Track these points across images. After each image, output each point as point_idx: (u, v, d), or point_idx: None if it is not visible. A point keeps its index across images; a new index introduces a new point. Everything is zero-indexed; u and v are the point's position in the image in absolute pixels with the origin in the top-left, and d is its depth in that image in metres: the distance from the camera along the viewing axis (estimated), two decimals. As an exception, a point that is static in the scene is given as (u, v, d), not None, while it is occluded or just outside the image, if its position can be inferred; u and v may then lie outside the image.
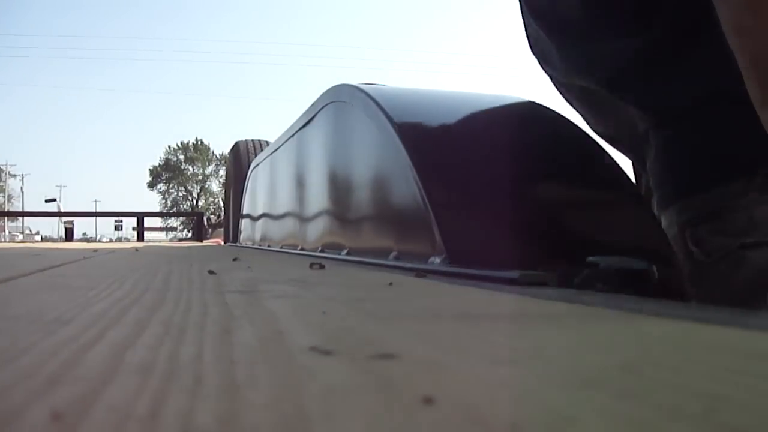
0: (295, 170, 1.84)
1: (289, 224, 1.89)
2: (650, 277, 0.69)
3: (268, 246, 2.20)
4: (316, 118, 1.52)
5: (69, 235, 7.37)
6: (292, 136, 1.81)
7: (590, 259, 0.70)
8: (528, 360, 0.29)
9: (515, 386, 0.24)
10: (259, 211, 2.60)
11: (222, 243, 4.75)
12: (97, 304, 0.52)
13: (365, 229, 1.20)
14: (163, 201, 45.05)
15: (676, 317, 0.42)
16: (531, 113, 1.16)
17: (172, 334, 0.36)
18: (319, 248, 1.43)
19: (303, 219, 1.69)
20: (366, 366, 0.28)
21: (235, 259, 1.26)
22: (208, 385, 0.25)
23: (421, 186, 0.87)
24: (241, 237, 3.12)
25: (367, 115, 1.11)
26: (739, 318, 0.40)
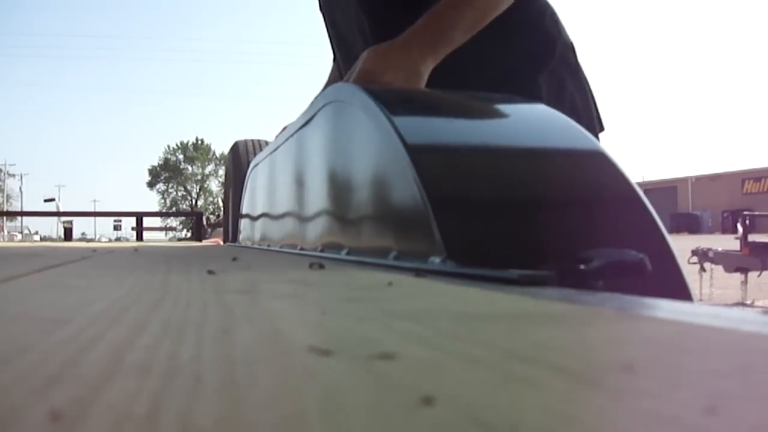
0: (294, 170, 1.83)
1: (289, 224, 1.89)
2: (643, 268, 0.70)
3: (268, 246, 2.20)
4: (315, 118, 1.52)
5: (68, 234, 7.36)
6: (292, 135, 1.81)
7: (582, 253, 0.70)
8: (528, 359, 0.29)
9: (515, 385, 0.24)
10: (259, 211, 2.59)
11: (221, 243, 4.74)
12: (96, 304, 0.52)
13: (365, 228, 1.19)
14: (163, 201, 45.11)
15: (676, 317, 0.42)
16: (530, 112, 1.16)
17: (171, 333, 0.36)
18: (319, 248, 1.43)
19: (302, 219, 1.69)
20: (365, 366, 0.28)
21: (234, 259, 1.26)
22: (208, 384, 0.25)
23: (420, 186, 0.87)
24: (241, 237, 3.11)
25: (367, 114, 1.11)
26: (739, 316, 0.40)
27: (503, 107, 1.19)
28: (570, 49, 1.51)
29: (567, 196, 0.91)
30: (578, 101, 1.51)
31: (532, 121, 1.14)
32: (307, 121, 1.60)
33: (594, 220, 0.87)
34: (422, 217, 0.86)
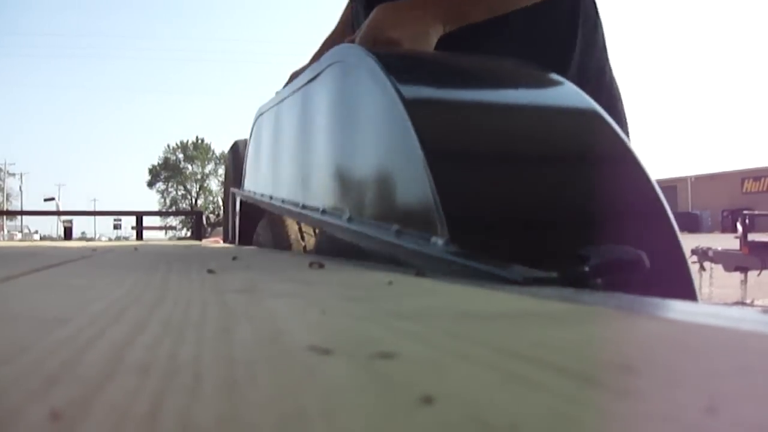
0: (299, 127, 1.72)
1: (292, 181, 1.81)
2: (642, 265, 0.69)
3: (270, 197, 2.12)
4: (322, 76, 1.45)
5: (68, 234, 7.36)
6: (298, 89, 1.74)
7: (581, 251, 0.70)
8: (528, 359, 0.29)
9: (515, 385, 0.24)
10: (263, 163, 2.48)
11: (221, 242, 4.74)
12: (96, 303, 0.52)
13: (368, 196, 1.15)
14: (162, 200, 45.13)
15: (676, 317, 0.42)
16: (554, 91, 1.10)
17: (171, 333, 0.36)
18: (320, 209, 1.39)
19: (306, 177, 1.63)
20: (365, 365, 0.28)
21: (234, 258, 1.26)
22: (208, 384, 0.25)
23: (426, 162, 0.84)
24: (245, 185, 2.98)
25: (374, 81, 1.07)
26: (741, 316, 0.40)
27: (517, 76, 1.14)
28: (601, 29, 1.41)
29: (578, 183, 0.88)
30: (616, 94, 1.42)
31: (555, 102, 1.08)
32: (312, 78, 1.53)
33: (602, 208, 0.84)
34: (426, 194, 0.83)
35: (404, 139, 0.92)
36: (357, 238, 1.11)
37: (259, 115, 2.60)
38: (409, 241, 0.88)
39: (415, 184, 0.89)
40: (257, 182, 2.56)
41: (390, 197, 1.04)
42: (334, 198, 1.35)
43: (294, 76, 1.94)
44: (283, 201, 1.86)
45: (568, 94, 1.04)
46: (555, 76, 1.09)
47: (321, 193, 1.45)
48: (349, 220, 1.16)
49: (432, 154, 0.86)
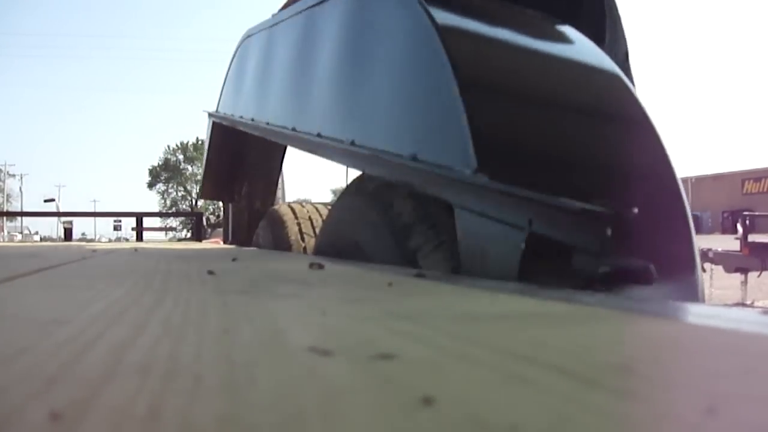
0: (300, 49, 1.67)
1: (286, 103, 1.73)
2: (650, 276, 0.69)
3: (252, 119, 2.03)
4: None
5: (68, 235, 7.35)
6: (300, 13, 1.67)
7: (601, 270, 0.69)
8: (527, 359, 0.29)
9: (515, 385, 0.24)
10: (248, 87, 2.31)
11: (221, 243, 4.73)
12: (96, 304, 0.52)
13: (375, 120, 1.11)
14: (162, 201, 45.03)
15: (676, 317, 0.42)
16: (578, 46, 1.09)
17: (171, 333, 0.36)
18: (316, 133, 1.32)
19: (302, 96, 1.56)
20: (366, 366, 0.28)
21: (234, 260, 1.26)
22: (208, 385, 0.25)
23: (456, 86, 0.82)
24: (220, 107, 2.83)
25: (404, 5, 1.05)
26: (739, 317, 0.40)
27: (550, 29, 1.12)
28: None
29: (602, 149, 0.88)
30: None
31: (577, 53, 1.06)
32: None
33: (614, 159, 0.85)
34: (454, 121, 0.82)
35: (436, 66, 0.89)
36: (362, 162, 1.07)
37: (247, 36, 2.42)
38: (427, 164, 0.85)
39: (442, 111, 0.87)
40: (237, 104, 2.41)
41: (406, 123, 1.00)
42: (332, 121, 1.28)
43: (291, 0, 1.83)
44: (267, 124, 1.77)
45: (591, 52, 1.05)
46: (579, 34, 1.08)
47: (317, 116, 1.38)
48: (352, 144, 1.12)
49: (466, 87, 0.84)
